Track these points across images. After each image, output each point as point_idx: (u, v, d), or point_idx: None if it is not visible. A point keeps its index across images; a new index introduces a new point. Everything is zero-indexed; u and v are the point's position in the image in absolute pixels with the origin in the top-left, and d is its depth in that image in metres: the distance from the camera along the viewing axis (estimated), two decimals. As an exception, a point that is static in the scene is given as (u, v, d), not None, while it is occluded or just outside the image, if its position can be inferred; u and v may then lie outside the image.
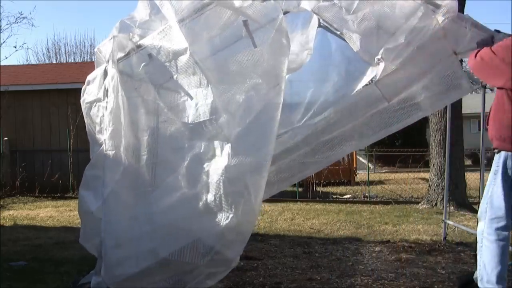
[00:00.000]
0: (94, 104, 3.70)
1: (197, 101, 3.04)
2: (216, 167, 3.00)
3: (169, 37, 3.12)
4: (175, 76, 3.12)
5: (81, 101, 3.83)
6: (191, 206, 3.10)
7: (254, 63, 3.02)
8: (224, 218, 2.98)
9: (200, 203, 3.05)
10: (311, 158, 4.10)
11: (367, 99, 3.84)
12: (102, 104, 3.58)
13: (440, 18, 3.19)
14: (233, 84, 3.08)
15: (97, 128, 3.62)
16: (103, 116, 3.51)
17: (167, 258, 3.08)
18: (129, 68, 3.33)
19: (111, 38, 3.43)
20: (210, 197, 3.01)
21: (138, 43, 3.27)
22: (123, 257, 3.19)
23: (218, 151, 3.03)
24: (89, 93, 3.75)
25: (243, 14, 3.02)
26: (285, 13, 3.16)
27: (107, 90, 3.43)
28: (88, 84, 3.77)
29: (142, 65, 3.22)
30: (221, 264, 3.15)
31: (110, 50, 3.40)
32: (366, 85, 3.93)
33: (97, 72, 3.68)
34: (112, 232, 3.21)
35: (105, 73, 3.54)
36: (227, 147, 2.98)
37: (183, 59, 3.03)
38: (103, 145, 3.39)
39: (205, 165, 3.06)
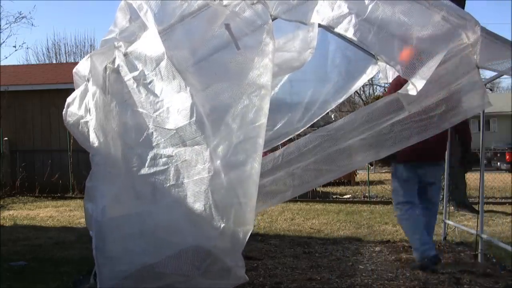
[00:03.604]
0: (78, 123, 3.64)
1: (178, 106, 3.00)
2: (203, 175, 2.96)
3: (151, 43, 3.08)
4: (160, 84, 3.08)
5: (65, 124, 3.76)
6: (183, 216, 3.06)
7: (241, 68, 3.00)
8: (216, 228, 2.95)
9: (191, 213, 3.01)
10: (326, 165, 4.09)
11: (389, 106, 3.84)
12: (85, 120, 3.51)
13: (469, 34, 3.16)
14: (218, 89, 3.04)
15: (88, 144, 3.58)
16: (87, 132, 3.45)
17: (162, 271, 3.04)
18: (118, 80, 3.25)
19: (88, 57, 3.37)
20: (199, 206, 2.98)
21: (125, 51, 3.21)
22: (117, 270, 3.16)
23: (202, 158, 2.97)
24: (70, 115, 3.68)
25: (232, 19, 2.99)
26: (273, 19, 3.13)
27: (90, 109, 3.37)
28: (68, 106, 3.69)
29: (131, 75, 3.16)
30: (221, 274, 3.08)
31: (88, 68, 3.35)
32: (392, 96, 3.90)
33: (76, 93, 3.61)
34: (105, 247, 3.17)
35: (85, 92, 3.47)
36: (214, 154, 2.95)
37: (163, 65, 3.01)
38: (91, 162, 3.34)
39: (191, 173, 3.01)
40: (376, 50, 3.20)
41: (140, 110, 3.16)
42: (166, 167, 3.09)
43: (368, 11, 2.99)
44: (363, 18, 2.99)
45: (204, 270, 3.02)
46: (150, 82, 3.12)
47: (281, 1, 3.09)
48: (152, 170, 3.13)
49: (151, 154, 3.13)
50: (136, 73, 3.15)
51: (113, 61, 3.27)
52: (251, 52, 2.99)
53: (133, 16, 3.25)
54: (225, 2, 3.00)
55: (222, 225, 2.93)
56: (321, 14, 3.09)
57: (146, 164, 3.14)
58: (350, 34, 3.00)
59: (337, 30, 3.07)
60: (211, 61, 3.10)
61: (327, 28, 3.88)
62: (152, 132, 3.13)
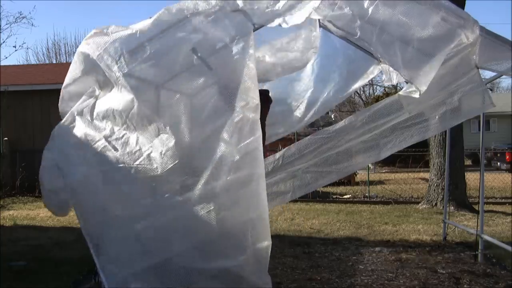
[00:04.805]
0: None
1: (160, 149, 2.90)
2: (210, 206, 2.87)
3: (116, 96, 2.97)
4: (134, 134, 2.98)
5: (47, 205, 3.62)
6: (199, 246, 2.97)
7: (228, 81, 2.91)
8: (238, 250, 2.89)
9: (208, 242, 2.94)
10: (327, 167, 4.08)
11: (390, 108, 3.84)
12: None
13: (469, 33, 3.16)
14: (208, 99, 2.95)
15: None
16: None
17: None
18: (90, 148, 3.14)
19: (53, 139, 3.27)
20: (214, 236, 2.90)
21: (89, 116, 3.13)
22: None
23: (204, 189, 2.88)
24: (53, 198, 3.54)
25: (211, 32, 2.90)
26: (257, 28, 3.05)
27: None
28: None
29: (102, 135, 3.07)
30: None
31: (56, 151, 3.25)
32: (392, 98, 3.87)
33: (50, 184, 3.49)
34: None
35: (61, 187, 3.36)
36: (216, 175, 2.87)
37: (134, 112, 2.89)
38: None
39: (197, 208, 2.90)
40: (380, 53, 3.17)
41: (118, 165, 3.04)
42: (166, 213, 2.97)
43: (370, 13, 2.97)
44: (366, 20, 2.97)
45: None
46: (123, 135, 3.03)
47: (266, 11, 2.99)
48: (150, 220, 2.98)
49: (142, 204, 3.00)
50: (106, 132, 3.07)
51: (79, 132, 3.17)
52: (238, 64, 2.90)
53: (87, 68, 3.11)
54: (201, 14, 2.90)
55: (243, 245, 2.86)
56: (320, 12, 3.04)
57: (140, 215, 3.00)
58: (356, 34, 2.96)
59: (344, 28, 3.03)
60: (195, 73, 3.00)
61: (327, 29, 3.87)
62: (135, 184, 3.01)
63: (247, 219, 2.91)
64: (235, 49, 2.90)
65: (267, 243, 2.90)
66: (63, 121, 3.30)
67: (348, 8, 2.96)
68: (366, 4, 2.98)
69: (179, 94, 2.99)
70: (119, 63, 2.86)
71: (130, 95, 2.86)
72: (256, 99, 2.87)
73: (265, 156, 3.29)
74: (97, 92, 3.17)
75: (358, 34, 2.93)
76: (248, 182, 2.91)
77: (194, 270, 2.95)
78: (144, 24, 2.91)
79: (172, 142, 2.88)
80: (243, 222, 2.91)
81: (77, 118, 3.18)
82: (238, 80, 2.89)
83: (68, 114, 3.27)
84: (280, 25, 3.01)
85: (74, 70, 3.24)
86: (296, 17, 2.98)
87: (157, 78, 2.96)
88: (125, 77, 2.85)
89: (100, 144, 3.09)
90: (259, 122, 2.92)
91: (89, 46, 3.00)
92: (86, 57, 3.08)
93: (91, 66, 3.07)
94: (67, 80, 3.31)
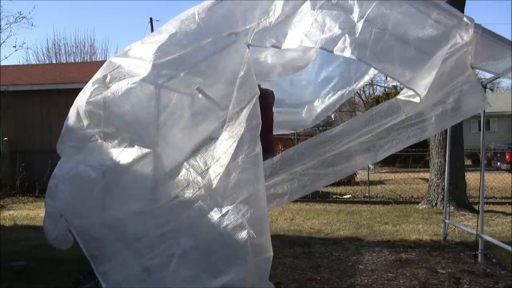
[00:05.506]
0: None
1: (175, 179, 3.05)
2: (209, 220, 2.94)
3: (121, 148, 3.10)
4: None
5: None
6: (205, 264, 3.01)
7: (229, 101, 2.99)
8: (239, 266, 2.90)
9: (211, 259, 2.98)
10: (324, 169, 4.08)
11: (387, 110, 3.84)
12: None
13: (463, 33, 3.15)
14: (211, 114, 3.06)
15: None
16: None
17: None
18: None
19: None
20: (216, 250, 2.97)
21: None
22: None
23: (204, 202, 2.98)
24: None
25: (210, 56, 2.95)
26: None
27: None
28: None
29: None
30: None
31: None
32: (390, 101, 3.90)
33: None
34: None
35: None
36: (218, 194, 2.95)
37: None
38: None
39: (203, 228, 2.99)
40: (375, 67, 3.16)
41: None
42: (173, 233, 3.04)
43: (361, 27, 2.94)
44: (356, 36, 2.93)
45: None
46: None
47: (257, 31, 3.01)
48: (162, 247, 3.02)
49: (140, 210, 3.07)
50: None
51: None
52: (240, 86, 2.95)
53: (92, 123, 3.18)
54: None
55: (243, 257, 2.87)
56: (311, 37, 3.01)
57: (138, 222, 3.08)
58: (347, 53, 2.92)
59: (335, 52, 3.00)
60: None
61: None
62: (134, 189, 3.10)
63: (248, 231, 2.91)
64: (234, 70, 2.95)
65: (268, 254, 2.91)
66: (67, 169, 3.31)
67: (337, 27, 2.91)
68: (355, 18, 2.94)
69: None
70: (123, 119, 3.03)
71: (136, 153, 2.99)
72: (257, 119, 2.92)
73: (275, 147, 3.34)
74: (99, 141, 3.22)
75: (349, 53, 2.89)
76: (248, 196, 2.95)
77: (194, 282, 2.96)
78: (143, 69, 2.94)
79: (188, 177, 3.02)
80: (244, 235, 2.91)
81: (81, 166, 3.20)
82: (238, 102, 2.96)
83: (72, 163, 3.29)
84: (275, 46, 3.04)
85: (78, 122, 3.27)
86: (289, 42, 3.02)
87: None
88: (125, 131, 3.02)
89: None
90: (259, 139, 2.96)
91: (91, 106, 3.10)
92: (92, 115, 3.16)
93: (96, 121, 3.15)
94: (70, 122, 3.34)
